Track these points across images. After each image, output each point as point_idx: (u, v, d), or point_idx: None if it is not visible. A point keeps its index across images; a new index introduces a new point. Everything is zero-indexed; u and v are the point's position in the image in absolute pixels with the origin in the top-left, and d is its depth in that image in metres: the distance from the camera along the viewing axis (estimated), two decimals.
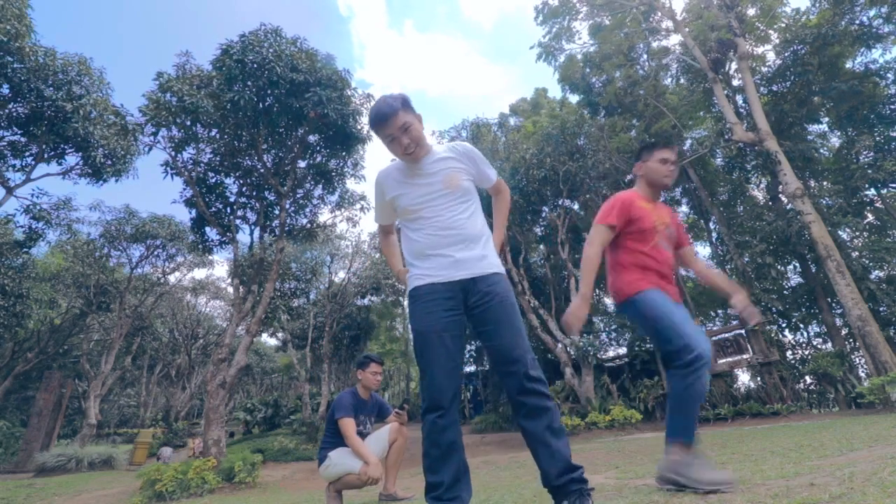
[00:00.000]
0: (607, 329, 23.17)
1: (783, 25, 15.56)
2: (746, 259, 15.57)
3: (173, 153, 11.45)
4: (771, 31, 16.07)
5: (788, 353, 18.18)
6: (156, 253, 20.39)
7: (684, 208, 21.84)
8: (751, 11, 15.55)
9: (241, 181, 12.62)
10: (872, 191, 15.20)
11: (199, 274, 41.46)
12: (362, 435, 3.30)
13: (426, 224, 1.78)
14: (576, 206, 18.73)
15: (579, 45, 18.20)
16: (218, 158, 12.22)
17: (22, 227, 14.43)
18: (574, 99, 20.05)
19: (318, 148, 12.59)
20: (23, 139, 12.90)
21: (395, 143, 1.76)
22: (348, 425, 3.16)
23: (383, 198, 1.92)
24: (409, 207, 1.82)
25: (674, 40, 16.81)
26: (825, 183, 16.93)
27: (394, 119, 1.74)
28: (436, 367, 1.64)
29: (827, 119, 16.62)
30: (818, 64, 14.61)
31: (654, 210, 2.31)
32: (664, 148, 2.38)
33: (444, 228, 1.76)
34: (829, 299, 15.22)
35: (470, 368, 26.03)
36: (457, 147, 1.92)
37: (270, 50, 10.42)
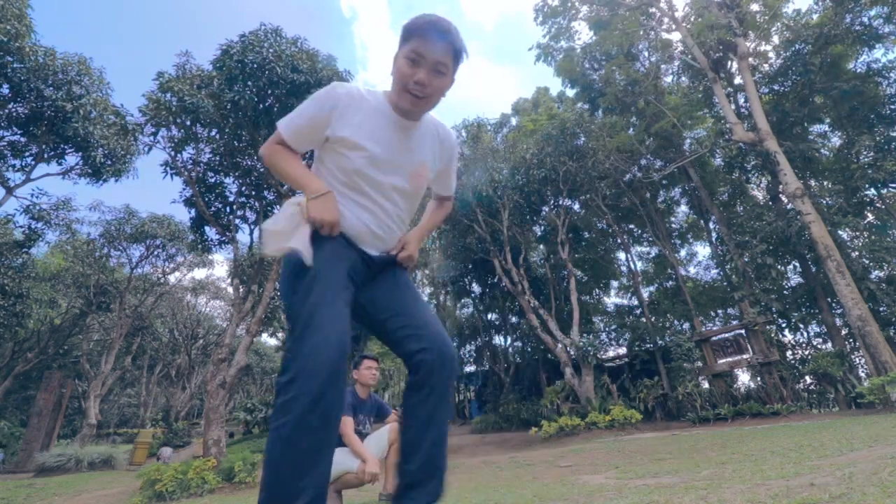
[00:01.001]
0: (607, 329, 23.17)
1: (785, 24, 15.58)
2: (746, 259, 15.57)
3: (173, 153, 11.46)
4: (772, 31, 16.10)
5: (788, 353, 18.18)
6: (156, 253, 20.41)
7: (684, 208, 21.88)
8: (754, 7, 15.56)
9: (241, 181, 12.62)
10: (872, 191, 15.21)
11: (199, 274, 41.47)
12: (361, 435, 3.30)
13: (368, 200, 1.36)
14: (576, 206, 18.74)
15: (579, 44, 18.26)
16: (218, 158, 12.23)
17: (22, 227, 14.46)
18: (571, 93, 20.10)
19: None
20: (23, 139, 12.91)
21: (416, 69, 1.27)
22: (347, 424, 3.16)
23: (325, 110, 1.32)
24: (375, 160, 1.32)
25: (675, 37, 16.84)
26: (825, 183, 16.93)
27: (446, 52, 1.27)
28: (318, 322, 1.11)
29: (828, 119, 16.63)
30: (820, 63, 14.62)
31: None
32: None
33: (386, 214, 1.40)
34: (829, 299, 15.22)
35: (470, 368, 26.03)
36: (450, 138, 1.53)
37: (271, 50, 10.42)
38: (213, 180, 12.52)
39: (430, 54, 1.26)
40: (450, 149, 1.53)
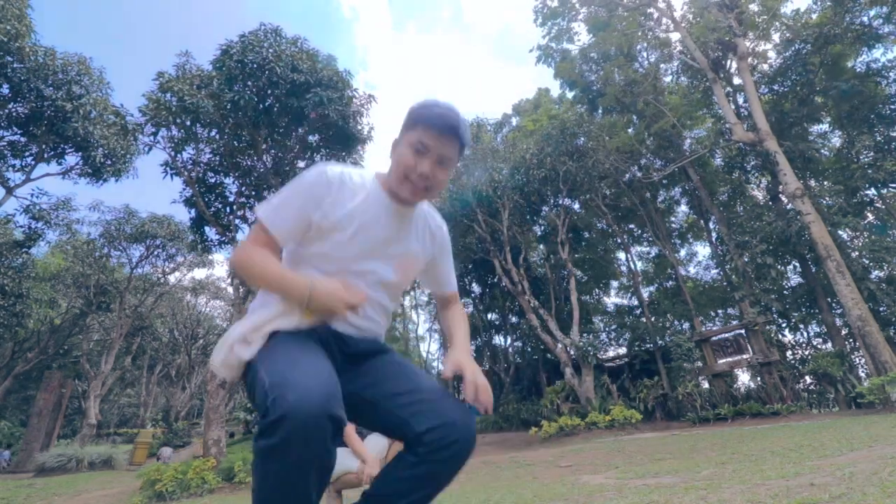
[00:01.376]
0: (607, 329, 23.17)
1: (784, 24, 15.59)
2: (746, 259, 15.57)
3: (173, 153, 11.46)
4: (772, 31, 16.11)
5: (788, 353, 18.18)
6: (156, 253, 20.42)
7: (684, 208, 21.88)
8: (753, 7, 15.56)
9: (241, 181, 12.64)
10: (872, 191, 15.21)
11: (199, 274, 41.43)
12: (361, 434, 3.30)
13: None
14: (576, 206, 18.74)
15: (577, 45, 18.26)
16: (217, 158, 12.24)
17: (22, 227, 14.47)
18: (570, 95, 20.13)
19: (318, 148, 12.61)
20: (23, 139, 12.92)
21: (421, 159, 1.20)
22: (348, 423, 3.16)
23: (316, 195, 1.20)
24: (362, 247, 1.22)
25: (674, 37, 16.86)
26: (825, 183, 16.94)
27: (454, 146, 1.22)
28: (301, 363, 1.00)
29: (828, 119, 16.63)
30: (819, 63, 14.62)
31: None
32: None
33: (367, 301, 1.26)
34: (829, 299, 15.22)
35: None
36: (442, 230, 1.44)
37: (270, 50, 10.44)
38: (213, 180, 12.53)
39: (437, 148, 1.19)
40: (441, 241, 1.43)
